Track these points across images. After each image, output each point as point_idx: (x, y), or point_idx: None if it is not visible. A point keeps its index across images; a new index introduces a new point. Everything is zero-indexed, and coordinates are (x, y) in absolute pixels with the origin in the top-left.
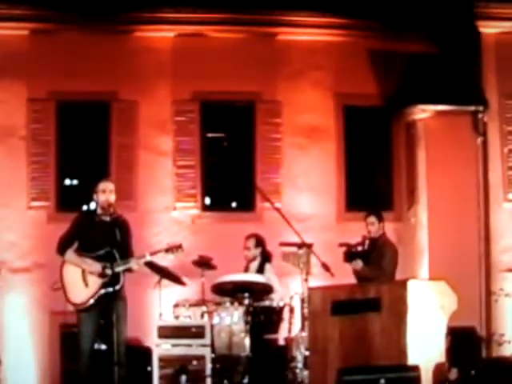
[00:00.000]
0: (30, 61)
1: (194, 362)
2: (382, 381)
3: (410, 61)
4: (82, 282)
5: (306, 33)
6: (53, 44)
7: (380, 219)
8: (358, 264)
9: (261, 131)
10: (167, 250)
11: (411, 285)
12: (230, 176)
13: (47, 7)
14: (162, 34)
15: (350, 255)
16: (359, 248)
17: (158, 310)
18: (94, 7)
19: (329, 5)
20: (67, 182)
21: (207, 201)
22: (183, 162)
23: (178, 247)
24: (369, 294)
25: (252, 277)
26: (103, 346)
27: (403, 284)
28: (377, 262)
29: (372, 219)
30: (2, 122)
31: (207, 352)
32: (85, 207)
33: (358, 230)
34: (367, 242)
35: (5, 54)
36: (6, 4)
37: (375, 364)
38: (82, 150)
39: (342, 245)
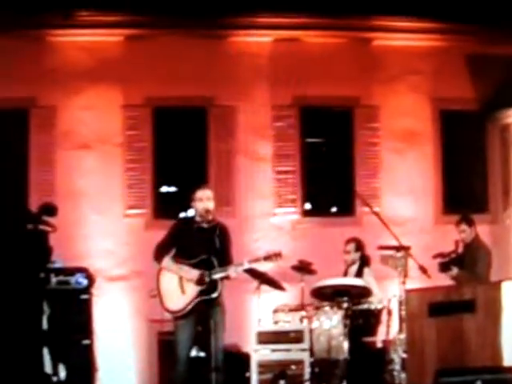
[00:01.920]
0: (126, 67)
1: (293, 367)
2: (479, 383)
3: (508, 64)
4: (179, 289)
5: (403, 38)
6: (148, 50)
7: (470, 224)
8: (454, 272)
9: (359, 136)
10: (266, 258)
11: (506, 286)
12: (329, 181)
13: (142, 13)
14: (259, 39)
15: (445, 265)
16: (453, 255)
17: (257, 315)
18: (189, 12)
19: (426, 9)
20: (164, 188)
21: (307, 206)
22: (283, 168)
23: (277, 255)
24: (464, 295)
25: (351, 280)
26: (201, 354)
27: (498, 285)
28: (471, 265)
29: (463, 227)
30: (97, 129)
31: (306, 356)
32: (182, 214)
33: (455, 232)
34: (461, 246)
35: (100, 61)
36: (101, 11)
37: (470, 365)
38: (179, 156)
39: (436, 256)
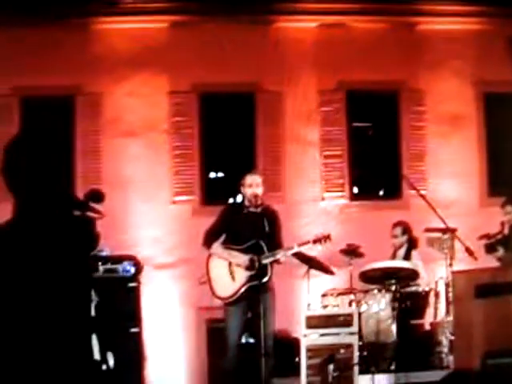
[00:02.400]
0: (171, 54)
1: (342, 351)
2: None
3: None
4: (228, 275)
5: (447, 22)
6: (194, 36)
7: None
8: (500, 253)
9: (405, 120)
10: (315, 241)
11: None
12: (376, 165)
13: None
14: (304, 25)
15: (491, 246)
16: (499, 236)
17: (306, 300)
18: None
19: None
20: (212, 175)
21: (355, 190)
22: (330, 152)
23: (326, 238)
24: (511, 276)
25: (399, 263)
26: (251, 340)
27: None
28: None
29: (508, 209)
30: (143, 116)
31: (355, 340)
32: (231, 200)
33: (500, 214)
34: (506, 227)
35: (145, 48)
36: None
37: None
38: (226, 142)
39: (481, 237)
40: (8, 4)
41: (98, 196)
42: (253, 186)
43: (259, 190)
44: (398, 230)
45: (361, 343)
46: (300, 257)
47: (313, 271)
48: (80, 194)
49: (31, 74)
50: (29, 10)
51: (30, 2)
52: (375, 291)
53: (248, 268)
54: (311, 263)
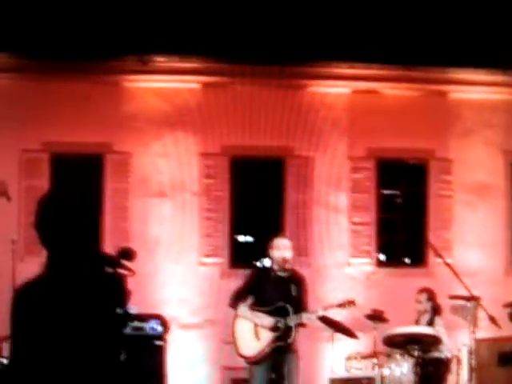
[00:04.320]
0: (203, 115)
1: None
2: None
3: None
4: (253, 335)
5: (477, 91)
6: (226, 98)
7: None
8: None
9: (433, 188)
10: (340, 306)
11: None
12: (403, 232)
13: (219, 60)
14: (336, 90)
15: None
16: None
17: (330, 362)
18: (267, 60)
19: (499, 62)
20: (240, 237)
21: (381, 257)
22: (358, 219)
23: (351, 303)
24: None
25: (422, 329)
26: None
27: None
28: None
29: None
30: (174, 177)
31: None
32: (258, 263)
33: None
34: None
35: (177, 108)
36: (178, 57)
37: None
38: (255, 205)
39: (506, 305)
40: (41, 59)
41: (129, 254)
42: (281, 249)
43: (288, 254)
44: (423, 297)
45: None
46: (325, 320)
47: (337, 335)
48: (108, 251)
49: (62, 129)
50: (61, 65)
51: (63, 57)
52: (398, 356)
53: (273, 329)
54: (336, 327)
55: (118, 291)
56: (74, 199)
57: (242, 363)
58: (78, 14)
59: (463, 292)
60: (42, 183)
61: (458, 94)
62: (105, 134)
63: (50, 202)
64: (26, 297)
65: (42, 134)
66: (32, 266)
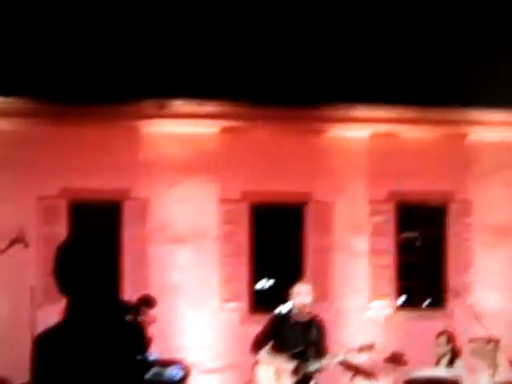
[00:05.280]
0: (221, 160)
1: None
2: None
3: None
4: (274, 380)
5: (496, 131)
6: (244, 142)
7: None
8: None
9: (452, 230)
10: (360, 350)
11: None
12: (422, 275)
13: (237, 104)
14: (355, 134)
15: None
16: None
17: None
18: (285, 104)
19: None
20: (261, 283)
21: (400, 300)
22: (378, 262)
23: (371, 347)
24: None
25: (442, 372)
26: None
27: None
28: None
29: None
30: (193, 222)
31: None
32: (278, 309)
33: None
34: None
35: (195, 153)
36: (196, 101)
37: None
38: (275, 250)
39: None
40: (58, 104)
41: (150, 301)
42: (302, 294)
43: (308, 299)
44: (442, 340)
45: None
46: (345, 364)
47: (357, 378)
48: (127, 298)
49: (80, 175)
50: (78, 110)
51: (80, 102)
52: None
53: (294, 374)
54: (356, 370)
55: (139, 339)
56: (93, 246)
57: None
58: (95, 59)
59: (482, 334)
60: (60, 230)
61: (476, 134)
62: (123, 179)
63: (68, 249)
64: (46, 345)
65: (59, 180)
66: (50, 313)
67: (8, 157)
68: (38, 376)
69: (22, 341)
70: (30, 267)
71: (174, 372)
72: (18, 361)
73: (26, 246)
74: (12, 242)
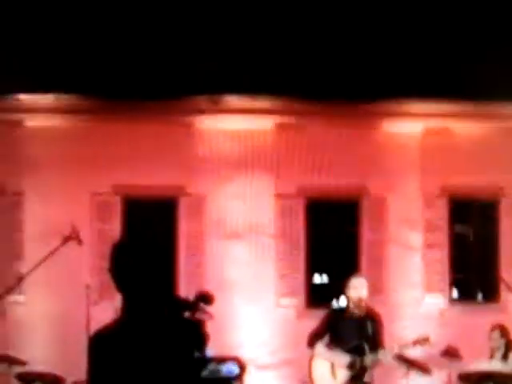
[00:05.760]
0: (276, 155)
1: None
2: None
3: None
4: (330, 375)
5: None
6: (299, 137)
7: None
8: None
9: (504, 225)
10: (415, 343)
11: None
12: (476, 269)
13: (292, 99)
14: (408, 129)
15: None
16: None
17: None
18: (339, 99)
19: None
20: (316, 278)
21: (454, 294)
22: (432, 256)
23: (426, 340)
24: None
25: (496, 366)
26: None
27: None
28: None
29: None
30: (249, 218)
31: None
32: (334, 303)
33: None
34: None
35: (250, 148)
36: (250, 96)
37: None
38: (331, 246)
39: None
40: (112, 100)
41: (207, 298)
42: (358, 287)
43: (364, 293)
44: (496, 334)
45: None
46: (400, 358)
47: (412, 372)
48: (184, 295)
49: (134, 171)
50: (132, 106)
51: (134, 97)
52: None
53: (350, 368)
54: (411, 364)
55: (196, 336)
56: (149, 243)
57: None
58: (150, 54)
59: None
60: (114, 227)
61: None
62: (178, 176)
63: (124, 246)
64: (103, 342)
65: (113, 176)
66: (106, 310)
67: (62, 154)
68: (95, 374)
69: (78, 339)
70: (85, 264)
71: (230, 368)
72: (74, 359)
73: (80, 243)
74: (66, 240)
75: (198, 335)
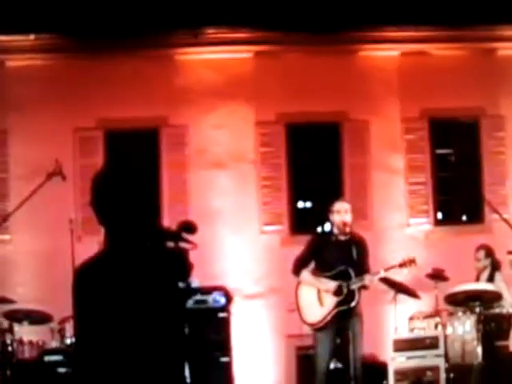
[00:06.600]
0: (256, 84)
1: (429, 373)
2: None
3: None
4: (317, 301)
5: None
6: (277, 66)
7: None
8: None
9: (486, 145)
10: (401, 265)
11: None
12: (459, 190)
13: (271, 29)
14: (386, 53)
15: None
16: None
17: (394, 324)
18: (317, 28)
19: None
20: (300, 204)
21: (439, 216)
22: (415, 179)
23: (412, 261)
24: None
25: (482, 286)
26: (339, 365)
27: None
28: None
29: None
30: (230, 147)
31: (441, 362)
32: (319, 228)
33: None
34: None
35: (230, 78)
36: (229, 28)
37: None
38: (313, 171)
39: None
40: (90, 37)
41: (190, 227)
42: (341, 212)
43: (348, 217)
44: (481, 253)
45: (447, 365)
46: (387, 281)
47: (400, 296)
48: (167, 225)
49: (116, 106)
50: (111, 42)
51: (112, 34)
52: (460, 314)
53: (336, 294)
54: (398, 288)
55: (180, 265)
56: (131, 174)
57: (306, 330)
58: None
59: None
60: (97, 161)
61: (506, 50)
62: (159, 108)
63: (105, 178)
64: (87, 276)
65: (95, 111)
66: (90, 245)
67: (43, 92)
68: (79, 308)
69: (64, 275)
70: (68, 200)
71: (216, 298)
72: (61, 296)
73: (64, 178)
74: (49, 176)
75: (181, 264)
